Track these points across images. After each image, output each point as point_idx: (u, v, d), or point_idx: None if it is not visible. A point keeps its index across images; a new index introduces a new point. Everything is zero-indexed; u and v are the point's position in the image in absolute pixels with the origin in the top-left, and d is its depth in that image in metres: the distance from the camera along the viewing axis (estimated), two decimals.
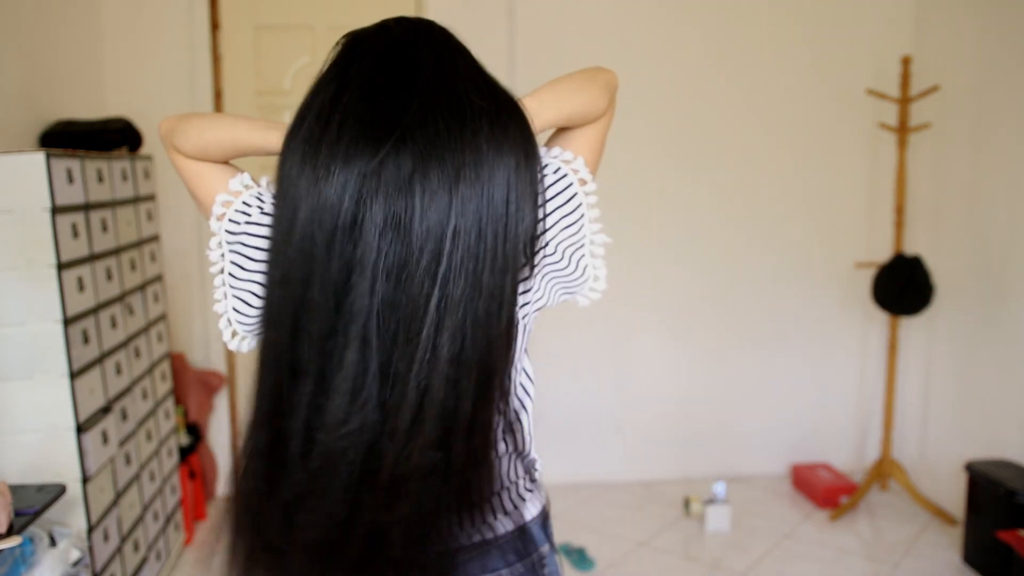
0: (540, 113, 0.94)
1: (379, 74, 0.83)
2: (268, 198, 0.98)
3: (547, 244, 0.96)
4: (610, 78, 1.03)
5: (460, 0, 3.31)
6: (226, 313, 0.99)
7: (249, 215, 0.97)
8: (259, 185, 1.00)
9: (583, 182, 0.99)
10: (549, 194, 0.96)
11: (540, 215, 0.88)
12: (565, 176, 0.98)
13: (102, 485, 2.24)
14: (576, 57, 3.37)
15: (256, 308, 0.98)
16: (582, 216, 0.98)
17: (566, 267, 0.99)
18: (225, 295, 0.98)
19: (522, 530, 1.02)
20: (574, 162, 0.99)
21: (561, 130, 1.03)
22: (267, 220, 0.94)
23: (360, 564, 0.86)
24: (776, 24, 3.44)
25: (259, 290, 0.96)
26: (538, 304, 1.00)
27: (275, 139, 0.95)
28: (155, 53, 3.22)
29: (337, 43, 0.90)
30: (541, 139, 0.94)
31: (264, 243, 0.95)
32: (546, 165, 0.97)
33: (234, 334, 1.01)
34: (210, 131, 0.97)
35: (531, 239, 0.86)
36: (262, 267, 0.94)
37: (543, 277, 0.99)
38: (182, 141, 0.98)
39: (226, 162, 1.02)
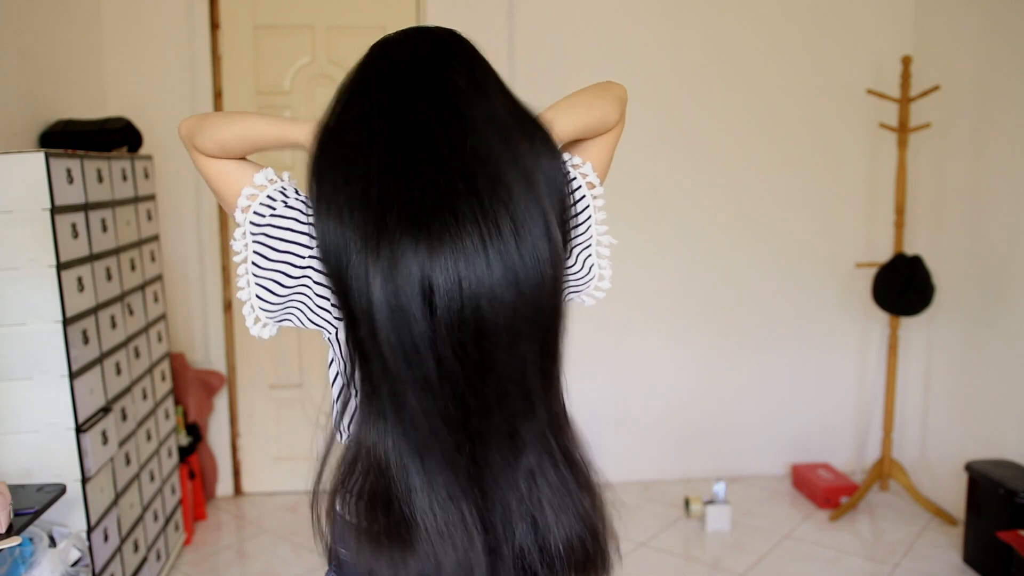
0: (557, 124, 1.01)
1: (411, 119, 0.88)
2: (291, 192, 1.03)
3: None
4: (621, 92, 1.10)
5: (460, 0, 3.31)
6: (249, 300, 1.03)
7: (274, 208, 1.01)
8: (282, 180, 1.05)
9: (591, 185, 1.05)
10: None
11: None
12: (574, 179, 1.04)
13: (102, 485, 2.24)
14: (575, 57, 3.38)
15: (279, 296, 1.02)
16: (589, 217, 1.04)
17: (573, 266, 1.04)
18: (248, 283, 1.02)
19: None
20: (583, 166, 1.06)
21: (575, 139, 1.09)
22: (290, 213, 1.00)
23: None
24: (776, 24, 3.44)
25: (285, 279, 1.00)
26: None
27: (290, 133, 1.01)
28: (155, 53, 3.23)
29: (362, 58, 0.96)
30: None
31: (287, 234, 1.00)
32: None
33: (256, 320, 1.05)
34: (227, 128, 1.02)
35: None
36: (285, 257, 1.00)
37: None
38: (202, 141, 1.03)
39: (244, 157, 1.07)
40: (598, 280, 1.07)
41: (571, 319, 1.00)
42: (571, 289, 1.07)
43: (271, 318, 1.05)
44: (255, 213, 1.01)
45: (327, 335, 1.04)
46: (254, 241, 1.00)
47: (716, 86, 3.45)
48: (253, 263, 1.01)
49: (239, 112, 1.06)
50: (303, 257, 0.99)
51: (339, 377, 1.03)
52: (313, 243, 0.97)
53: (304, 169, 0.96)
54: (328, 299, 1.00)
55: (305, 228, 0.99)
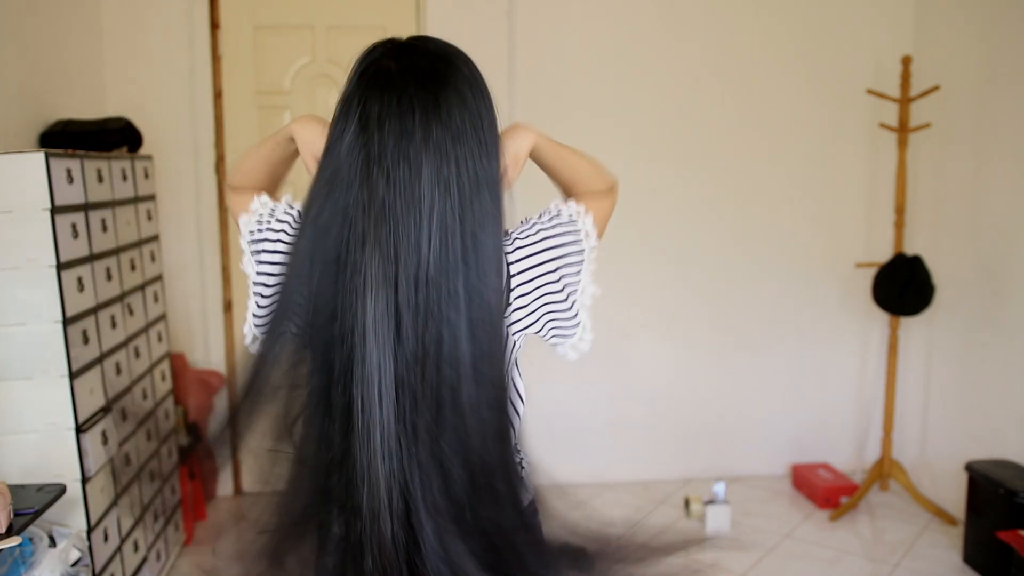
0: (527, 134, 1.08)
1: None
2: (282, 208, 1.11)
3: (556, 270, 1.05)
4: (613, 177, 1.16)
5: (460, 1, 3.31)
6: (248, 319, 1.11)
7: (260, 225, 1.09)
8: (275, 201, 1.13)
9: (587, 235, 1.08)
10: (559, 230, 1.06)
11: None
12: (576, 222, 1.08)
13: (102, 485, 2.24)
14: (576, 58, 3.38)
15: (263, 308, 1.07)
16: (582, 262, 1.07)
17: (563, 300, 1.06)
18: (251, 303, 1.11)
19: None
20: (585, 216, 1.09)
21: (570, 194, 1.15)
22: (275, 226, 1.08)
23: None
24: (776, 24, 3.44)
25: (265, 290, 1.07)
26: (527, 328, 1.07)
27: (284, 130, 1.10)
28: (155, 53, 3.22)
29: (348, 77, 0.97)
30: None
31: (269, 244, 1.07)
32: (559, 212, 1.09)
33: (255, 339, 1.10)
34: (247, 158, 1.14)
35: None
36: (267, 267, 1.07)
37: (540, 302, 1.05)
38: (233, 177, 1.15)
39: (270, 189, 1.16)
40: (581, 331, 1.08)
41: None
42: (557, 329, 1.08)
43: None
44: (249, 232, 1.10)
45: None
46: (256, 260, 1.09)
47: (716, 86, 3.45)
48: (254, 281, 1.09)
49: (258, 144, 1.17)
50: (276, 264, 1.06)
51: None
52: (286, 247, 1.06)
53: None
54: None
55: (278, 235, 1.07)
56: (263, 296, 1.07)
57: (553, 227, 1.06)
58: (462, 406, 0.90)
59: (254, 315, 1.08)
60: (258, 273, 1.07)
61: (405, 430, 0.89)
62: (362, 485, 0.89)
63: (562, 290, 1.05)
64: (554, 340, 1.10)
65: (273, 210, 1.10)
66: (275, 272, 1.05)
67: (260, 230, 1.08)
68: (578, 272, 1.06)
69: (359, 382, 0.89)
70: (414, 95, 0.91)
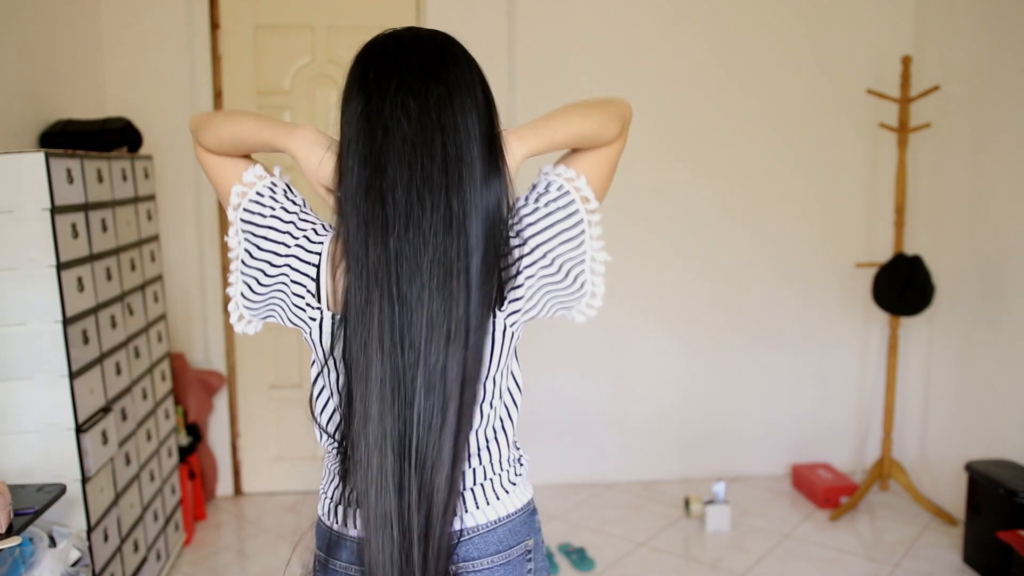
0: (540, 134, 1.02)
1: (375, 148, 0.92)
2: (280, 188, 1.06)
3: (544, 256, 1.00)
4: (623, 109, 1.08)
5: (460, 0, 3.31)
6: (235, 297, 1.07)
7: (261, 204, 1.05)
8: (272, 175, 1.08)
9: (586, 200, 1.03)
10: (546, 210, 1.01)
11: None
12: (567, 193, 1.03)
13: (102, 485, 2.24)
14: (576, 57, 3.38)
15: (258, 294, 1.05)
16: (583, 232, 1.02)
17: (563, 280, 1.02)
18: (237, 280, 1.07)
19: (504, 521, 1.07)
20: (576, 180, 1.04)
21: (573, 151, 1.08)
22: (276, 210, 1.04)
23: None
24: (777, 24, 3.44)
25: (263, 277, 1.04)
26: (526, 315, 1.03)
27: (278, 139, 1.03)
28: (155, 53, 3.22)
29: (349, 68, 0.97)
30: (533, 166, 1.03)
31: (272, 232, 1.03)
32: (549, 182, 1.04)
33: (240, 317, 1.09)
34: (225, 128, 1.05)
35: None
36: (267, 256, 1.03)
37: (538, 289, 1.02)
38: (203, 136, 1.07)
39: (246, 156, 1.09)
40: (590, 298, 1.05)
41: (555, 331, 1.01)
42: (560, 304, 1.05)
43: (254, 315, 1.09)
44: (244, 210, 1.05)
45: (305, 335, 1.05)
46: (244, 238, 1.05)
47: (717, 86, 3.45)
48: (242, 260, 1.05)
49: (242, 113, 1.08)
50: (282, 256, 1.02)
51: (319, 378, 1.05)
52: (293, 240, 1.02)
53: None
54: (303, 297, 1.02)
55: (288, 226, 1.03)
56: (259, 283, 1.04)
57: (536, 210, 1.01)
58: (433, 335, 0.91)
59: (245, 296, 1.06)
60: (255, 258, 1.04)
61: (395, 372, 0.90)
62: (364, 427, 0.92)
63: (558, 270, 1.01)
64: (560, 313, 1.08)
65: (273, 187, 1.06)
66: (278, 264, 1.02)
67: (263, 215, 1.04)
68: (579, 245, 1.02)
69: (364, 330, 0.90)
70: (411, 53, 0.94)
